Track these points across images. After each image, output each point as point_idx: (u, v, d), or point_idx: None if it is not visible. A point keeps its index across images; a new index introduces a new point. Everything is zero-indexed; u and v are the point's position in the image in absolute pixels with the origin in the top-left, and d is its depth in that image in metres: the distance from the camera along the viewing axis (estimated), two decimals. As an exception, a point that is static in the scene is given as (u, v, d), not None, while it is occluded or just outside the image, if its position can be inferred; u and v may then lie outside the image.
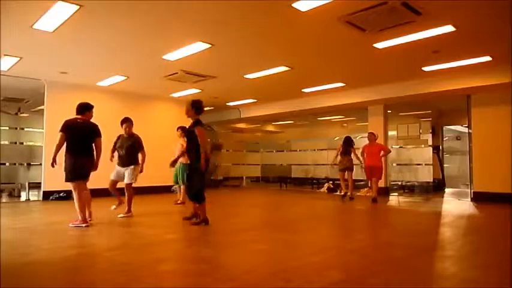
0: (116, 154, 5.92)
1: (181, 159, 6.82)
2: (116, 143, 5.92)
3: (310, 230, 5.04)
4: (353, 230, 5.23)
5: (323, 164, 12.13)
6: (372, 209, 7.19)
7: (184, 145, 6.80)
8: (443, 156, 12.54)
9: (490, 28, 5.13)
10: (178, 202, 7.37)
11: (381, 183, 9.61)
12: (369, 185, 8.17)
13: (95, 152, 4.96)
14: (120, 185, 5.86)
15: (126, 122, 5.90)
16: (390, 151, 8.48)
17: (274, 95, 10.27)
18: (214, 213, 6.55)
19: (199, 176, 4.82)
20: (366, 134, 10.47)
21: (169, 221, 5.73)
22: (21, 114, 10.55)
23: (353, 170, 8.47)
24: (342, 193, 8.65)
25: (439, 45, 5.76)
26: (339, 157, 8.60)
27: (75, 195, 4.85)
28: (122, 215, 5.68)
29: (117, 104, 9.42)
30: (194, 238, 4.47)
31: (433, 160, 10.31)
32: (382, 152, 8.21)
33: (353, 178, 8.58)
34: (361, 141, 12.01)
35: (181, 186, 7.35)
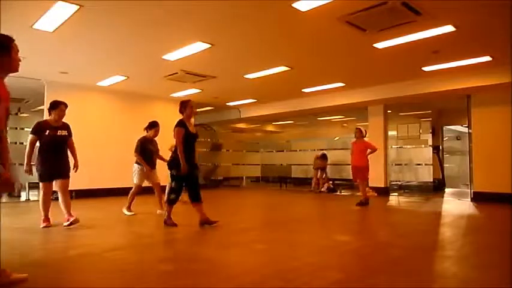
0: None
1: None
2: (146, 145, 5.95)
3: (310, 230, 5.04)
4: (353, 230, 5.23)
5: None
6: (371, 209, 7.19)
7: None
8: (443, 156, 12.54)
9: (490, 28, 5.13)
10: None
11: (381, 183, 9.64)
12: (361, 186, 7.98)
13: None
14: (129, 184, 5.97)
15: (158, 125, 6.07)
16: (376, 149, 7.58)
17: (274, 95, 10.27)
18: (214, 214, 6.55)
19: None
20: (367, 134, 10.51)
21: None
22: (21, 114, 10.55)
23: (325, 169, 11.07)
24: (313, 188, 11.03)
25: (439, 45, 5.76)
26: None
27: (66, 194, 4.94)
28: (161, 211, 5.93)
29: (117, 104, 9.43)
30: (194, 238, 4.47)
31: (433, 160, 10.32)
32: (368, 150, 7.39)
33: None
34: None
35: None
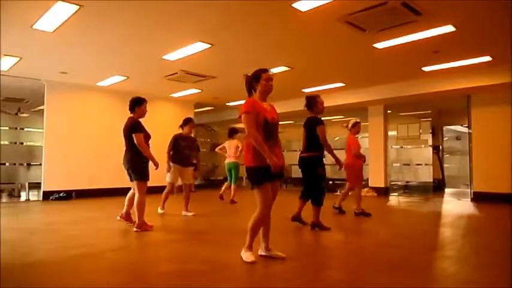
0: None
1: (234, 159, 7.60)
2: (178, 142, 5.90)
3: (309, 230, 5.04)
4: (353, 230, 5.23)
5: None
6: (372, 209, 7.17)
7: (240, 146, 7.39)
8: (443, 156, 12.53)
9: (490, 28, 5.13)
10: (235, 200, 7.72)
11: (381, 183, 9.64)
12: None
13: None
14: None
15: (192, 121, 6.06)
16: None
17: (274, 95, 10.22)
18: (215, 214, 6.56)
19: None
20: (367, 134, 10.50)
21: (170, 220, 5.73)
22: (21, 114, 10.55)
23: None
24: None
25: (439, 45, 5.75)
26: None
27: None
28: (189, 214, 5.92)
29: (117, 104, 9.41)
30: (195, 238, 4.47)
31: (433, 160, 10.31)
32: None
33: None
34: (361, 141, 12.02)
35: (232, 185, 7.86)
